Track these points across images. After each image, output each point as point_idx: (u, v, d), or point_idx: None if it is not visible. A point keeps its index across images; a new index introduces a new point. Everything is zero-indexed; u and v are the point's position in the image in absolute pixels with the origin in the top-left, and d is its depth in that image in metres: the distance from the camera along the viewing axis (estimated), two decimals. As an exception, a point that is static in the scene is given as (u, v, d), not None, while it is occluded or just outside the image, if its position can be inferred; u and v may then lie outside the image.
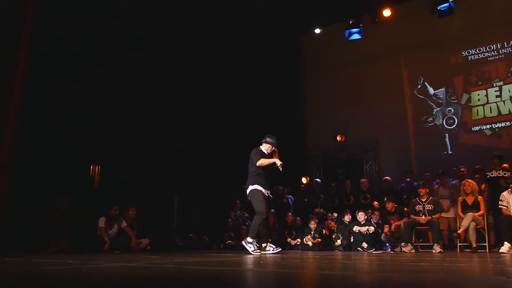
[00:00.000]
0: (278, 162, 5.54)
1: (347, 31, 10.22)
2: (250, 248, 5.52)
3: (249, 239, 5.55)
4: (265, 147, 5.84)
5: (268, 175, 5.78)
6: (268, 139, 5.88)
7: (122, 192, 7.63)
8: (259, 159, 5.65)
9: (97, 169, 7.85)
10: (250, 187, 5.66)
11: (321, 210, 9.06)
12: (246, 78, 10.46)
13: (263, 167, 5.68)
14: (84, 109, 7.60)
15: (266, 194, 5.70)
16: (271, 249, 5.74)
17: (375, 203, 8.29)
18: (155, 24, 8.61)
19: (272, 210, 9.14)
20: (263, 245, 5.79)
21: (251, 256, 4.83)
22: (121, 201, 7.12)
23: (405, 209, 7.63)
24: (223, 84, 10.11)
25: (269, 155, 5.80)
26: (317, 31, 10.71)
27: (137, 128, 8.51)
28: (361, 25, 10.10)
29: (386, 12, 9.83)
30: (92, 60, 7.68)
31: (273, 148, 5.87)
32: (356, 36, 10.22)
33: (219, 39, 9.84)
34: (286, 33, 10.70)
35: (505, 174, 6.98)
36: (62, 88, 7.04)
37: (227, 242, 8.64)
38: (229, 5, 9.28)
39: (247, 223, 9.38)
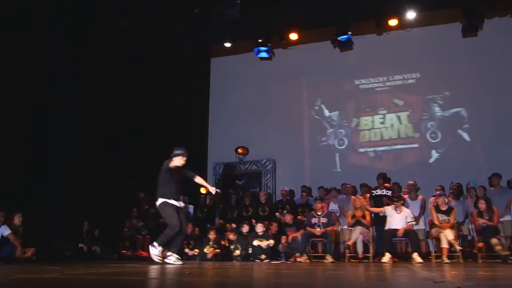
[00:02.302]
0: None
1: (256, 48, 10.60)
2: (154, 251, 5.50)
3: (155, 244, 5.54)
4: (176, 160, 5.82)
5: (177, 185, 5.78)
6: (177, 152, 5.84)
7: (6, 197, 6.79)
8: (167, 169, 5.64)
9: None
10: (158, 200, 5.66)
11: (220, 220, 9.15)
12: (152, 87, 10.23)
13: (170, 177, 5.68)
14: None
15: (178, 205, 5.71)
16: (173, 259, 5.69)
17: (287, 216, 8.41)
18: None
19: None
20: (168, 253, 5.73)
21: (165, 265, 4.73)
22: (5, 206, 6.36)
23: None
24: (125, 91, 9.69)
25: (181, 167, 5.81)
26: (227, 44, 10.93)
27: (21, 126, 7.69)
28: (269, 44, 10.58)
29: (293, 36, 10.45)
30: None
31: (185, 158, 5.85)
32: (264, 55, 10.65)
33: (123, 45, 9.47)
34: (196, 43, 10.71)
35: (387, 192, 7.88)
36: None
37: (122, 252, 8.21)
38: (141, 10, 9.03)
39: (143, 232, 9.06)
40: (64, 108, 8.61)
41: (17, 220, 6.41)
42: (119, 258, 8.12)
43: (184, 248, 8.38)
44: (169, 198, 5.63)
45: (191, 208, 9.55)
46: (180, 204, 5.84)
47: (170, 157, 5.82)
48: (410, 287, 2.32)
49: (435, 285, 2.30)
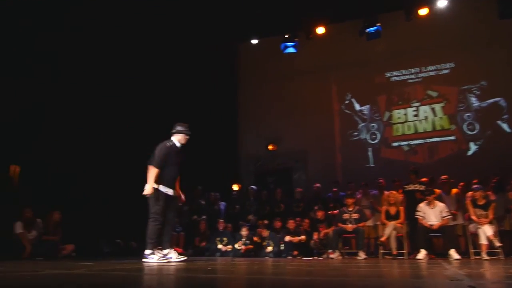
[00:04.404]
0: (148, 191, 4.84)
1: (283, 44, 10.57)
2: (152, 259, 4.80)
3: (147, 252, 4.86)
4: (177, 138, 5.19)
5: (174, 170, 5.09)
6: (179, 128, 5.21)
7: (45, 195, 7.09)
8: (159, 161, 4.92)
9: (17, 170, 7.22)
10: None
11: (254, 217, 9.19)
12: (181, 84, 10.35)
13: (167, 161, 5.01)
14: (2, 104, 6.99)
15: (171, 194, 5.02)
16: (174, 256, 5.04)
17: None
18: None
19: (204, 216, 9.11)
20: (165, 251, 5.06)
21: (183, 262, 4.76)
22: (43, 204, 6.65)
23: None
24: (158, 89, 9.87)
25: (182, 147, 5.22)
26: (254, 41, 10.94)
27: (61, 126, 7.99)
28: (296, 39, 10.51)
29: (320, 30, 10.34)
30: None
31: (187, 137, 5.23)
32: (291, 50, 10.60)
33: (154, 43, 9.63)
34: (224, 41, 10.79)
35: (420, 187, 7.64)
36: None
37: (157, 248, 8.40)
38: (168, 10, 9.16)
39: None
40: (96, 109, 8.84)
41: (56, 217, 6.68)
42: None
43: (217, 244, 8.51)
44: (161, 184, 4.93)
45: (223, 205, 9.64)
46: (172, 192, 5.08)
47: (171, 133, 5.19)
48: (420, 285, 2.26)
49: (450, 283, 2.23)
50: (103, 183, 8.75)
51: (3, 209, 6.49)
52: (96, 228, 8.62)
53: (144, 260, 4.83)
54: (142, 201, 9.02)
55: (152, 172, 4.92)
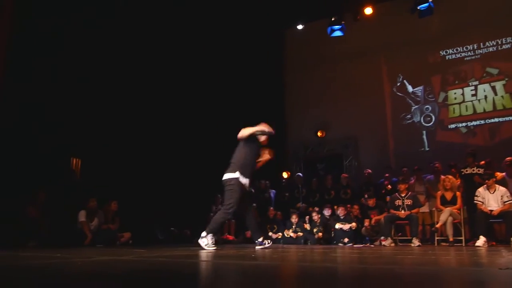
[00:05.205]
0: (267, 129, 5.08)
1: (329, 27, 10.33)
2: (204, 242, 4.68)
3: (203, 233, 4.74)
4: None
5: (252, 165, 5.08)
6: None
7: (104, 185, 7.49)
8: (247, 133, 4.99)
9: (78, 163, 7.69)
10: (230, 175, 4.88)
11: (303, 204, 9.17)
12: (227, 72, 10.43)
13: (249, 157, 5.05)
14: (65, 102, 7.42)
15: (245, 185, 4.94)
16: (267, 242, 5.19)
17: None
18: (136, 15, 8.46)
19: (254, 205, 9.21)
20: (260, 239, 5.16)
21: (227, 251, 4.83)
22: (102, 194, 7.02)
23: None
24: (203, 79, 10.03)
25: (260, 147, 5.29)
26: (300, 27, 10.76)
27: (118, 121, 8.37)
28: (343, 22, 10.23)
29: (368, 10, 9.99)
30: (69, 53, 7.49)
31: (266, 137, 5.33)
32: (338, 33, 10.35)
33: (200, 32, 9.77)
34: (269, 28, 10.72)
35: (479, 171, 7.21)
36: (42, 81, 6.88)
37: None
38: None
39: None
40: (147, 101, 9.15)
41: (113, 206, 7.05)
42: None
43: (268, 231, 8.60)
44: (240, 175, 4.86)
45: (273, 192, 9.69)
46: (248, 187, 5.09)
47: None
48: (462, 273, 2.13)
49: (497, 271, 2.09)
50: (159, 173, 9.11)
51: (67, 201, 6.95)
52: (152, 216, 9.02)
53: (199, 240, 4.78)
54: (195, 191, 9.32)
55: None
